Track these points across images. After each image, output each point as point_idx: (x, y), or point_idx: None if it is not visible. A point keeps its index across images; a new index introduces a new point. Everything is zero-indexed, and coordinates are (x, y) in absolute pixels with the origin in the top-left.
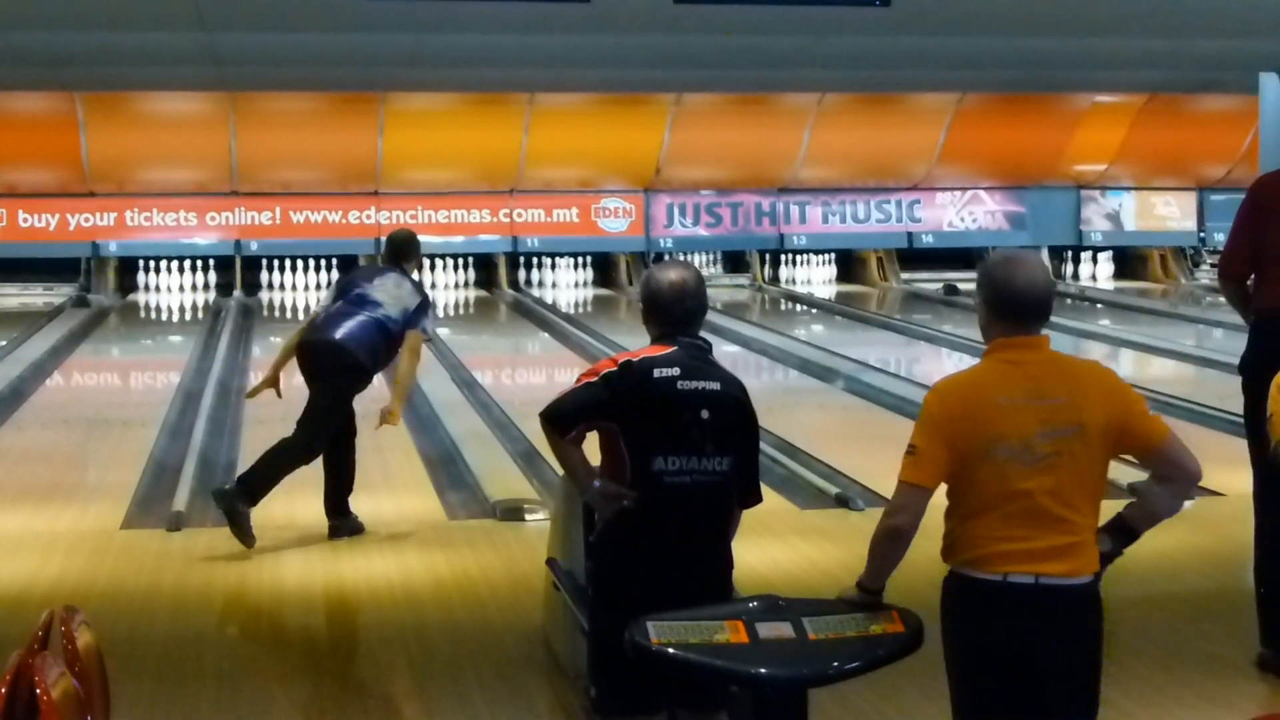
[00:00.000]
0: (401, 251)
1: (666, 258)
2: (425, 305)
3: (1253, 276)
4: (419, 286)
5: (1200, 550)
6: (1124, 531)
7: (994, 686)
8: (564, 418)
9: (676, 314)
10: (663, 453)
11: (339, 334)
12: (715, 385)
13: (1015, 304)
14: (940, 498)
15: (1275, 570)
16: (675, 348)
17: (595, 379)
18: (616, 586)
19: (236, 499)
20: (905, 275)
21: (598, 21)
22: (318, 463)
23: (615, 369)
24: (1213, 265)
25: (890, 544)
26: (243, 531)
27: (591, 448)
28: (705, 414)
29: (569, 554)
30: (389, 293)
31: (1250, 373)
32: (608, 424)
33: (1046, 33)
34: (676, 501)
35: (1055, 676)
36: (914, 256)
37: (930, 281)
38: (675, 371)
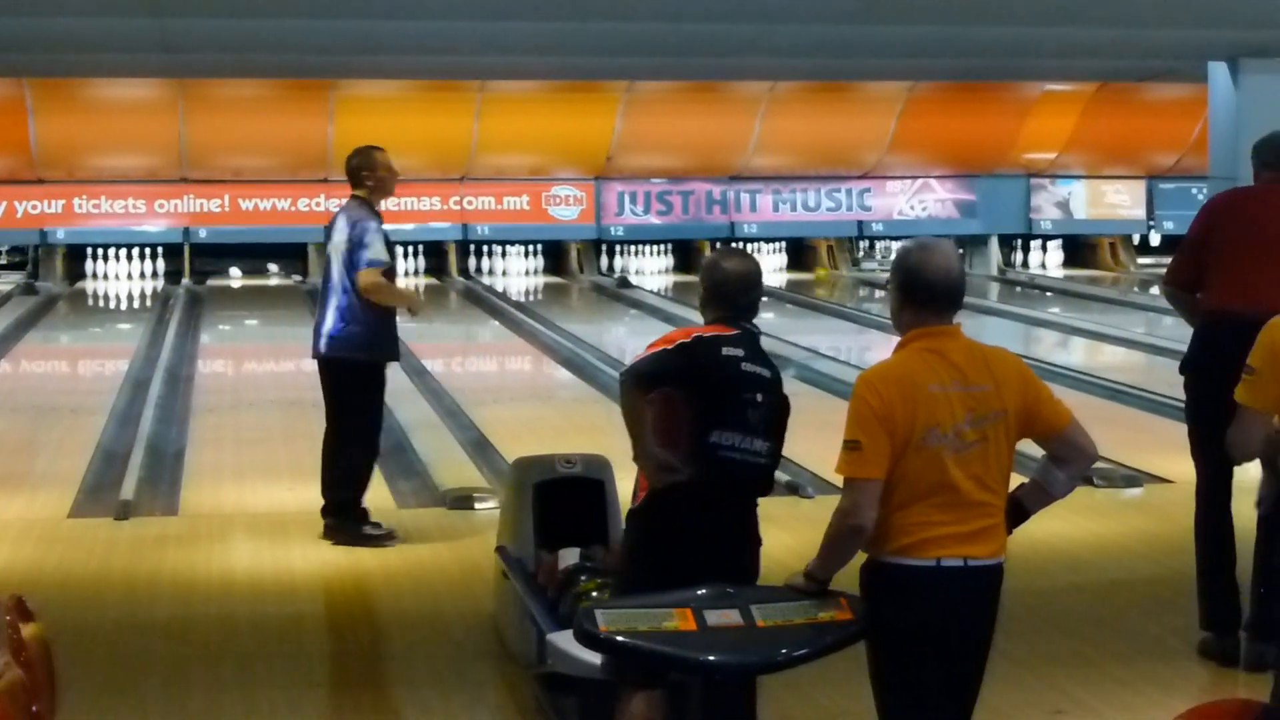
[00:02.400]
0: (351, 176)
1: (619, 249)
2: (356, 242)
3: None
4: (352, 221)
5: (1150, 536)
6: (1018, 512)
7: (922, 665)
8: (645, 378)
9: (742, 302)
10: (721, 427)
11: (319, 348)
12: (768, 373)
13: (929, 291)
14: None
15: (1219, 559)
16: (739, 330)
17: (671, 346)
18: (659, 553)
19: (341, 526)
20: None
21: (549, 8)
22: (261, 451)
23: (689, 340)
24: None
25: (851, 543)
26: (378, 537)
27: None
28: (760, 397)
29: (519, 542)
30: (335, 249)
31: (1194, 372)
32: (674, 390)
33: (998, 21)
34: (728, 475)
35: (976, 649)
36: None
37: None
38: (740, 352)
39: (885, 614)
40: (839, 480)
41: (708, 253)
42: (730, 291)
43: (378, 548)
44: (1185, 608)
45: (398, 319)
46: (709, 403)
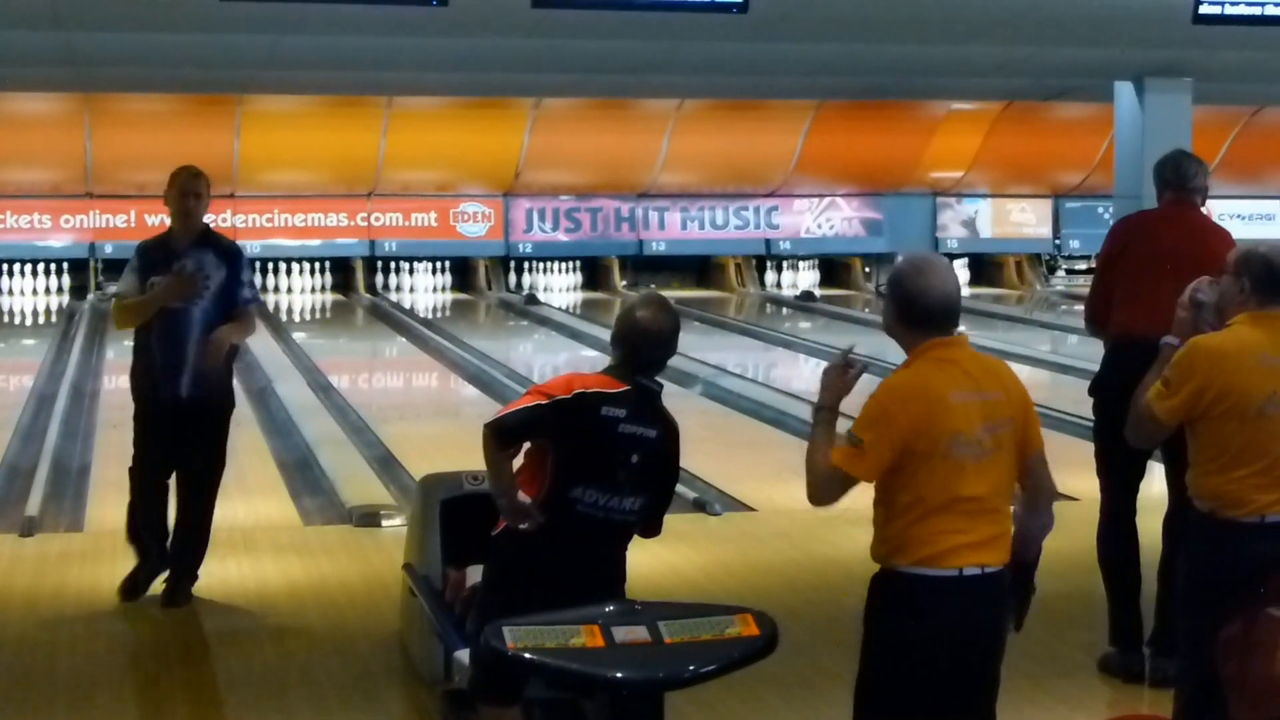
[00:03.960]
0: None
1: (527, 265)
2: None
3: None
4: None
5: (1056, 553)
6: (1025, 571)
7: (928, 680)
8: (508, 432)
9: (644, 358)
10: (583, 484)
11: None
12: (653, 433)
13: (927, 314)
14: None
15: (1124, 577)
16: (629, 387)
17: (545, 401)
18: (512, 587)
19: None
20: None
21: (456, 24)
22: None
23: (568, 397)
24: (1068, 270)
25: (809, 489)
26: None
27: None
28: (635, 458)
29: (425, 559)
30: None
31: (1103, 394)
32: (544, 440)
33: (904, 39)
34: (582, 530)
35: (994, 655)
36: (645, 264)
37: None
38: (622, 413)
39: (903, 625)
40: (745, 497)
41: (616, 270)
42: (636, 344)
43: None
44: (1091, 624)
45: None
46: (576, 459)
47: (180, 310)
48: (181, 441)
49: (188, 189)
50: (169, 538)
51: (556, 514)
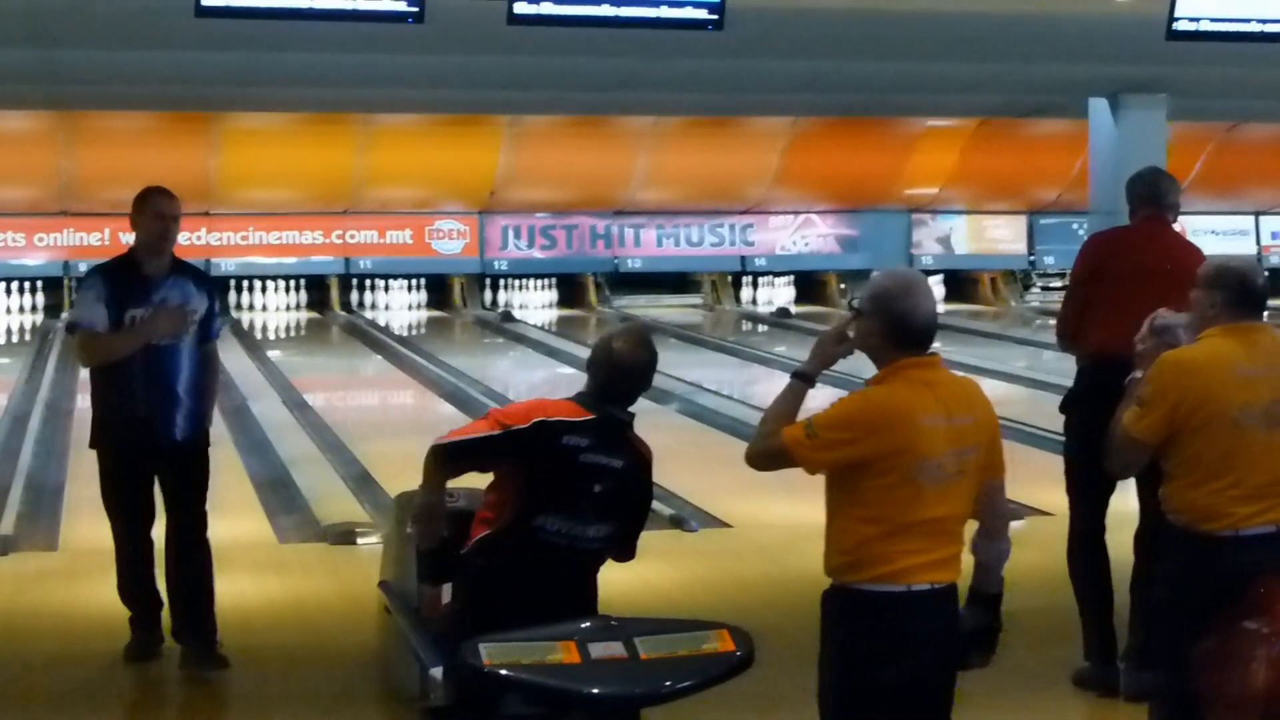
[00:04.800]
0: None
1: (502, 283)
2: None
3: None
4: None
5: (1031, 569)
6: (988, 601)
7: (880, 695)
8: (454, 458)
9: (615, 391)
10: (546, 512)
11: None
12: (619, 462)
13: (914, 335)
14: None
15: (1097, 592)
16: (594, 416)
17: (499, 431)
18: (480, 605)
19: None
20: (617, 301)
21: (432, 42)
22: None
23: (526, 427)
24: (1043, 288)
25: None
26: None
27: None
28: (599, 488)
29: (402, 577)
30: None
31: (1075, 412)
32: (505, 468)
33: (881, 57)
34: (547, 557)
35: (944, 669)
36: (621, 281)
37: (636, 306)
38: (584, 442)
39: (853, 640)
40: (722, 513)
41: (592, 287)
42: (610, 375)
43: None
44: (1067, 639)
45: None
46: (539, 488)
47: (168, 346)
48: (167, 489)
49: (164, 211)
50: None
51: (521, 541)
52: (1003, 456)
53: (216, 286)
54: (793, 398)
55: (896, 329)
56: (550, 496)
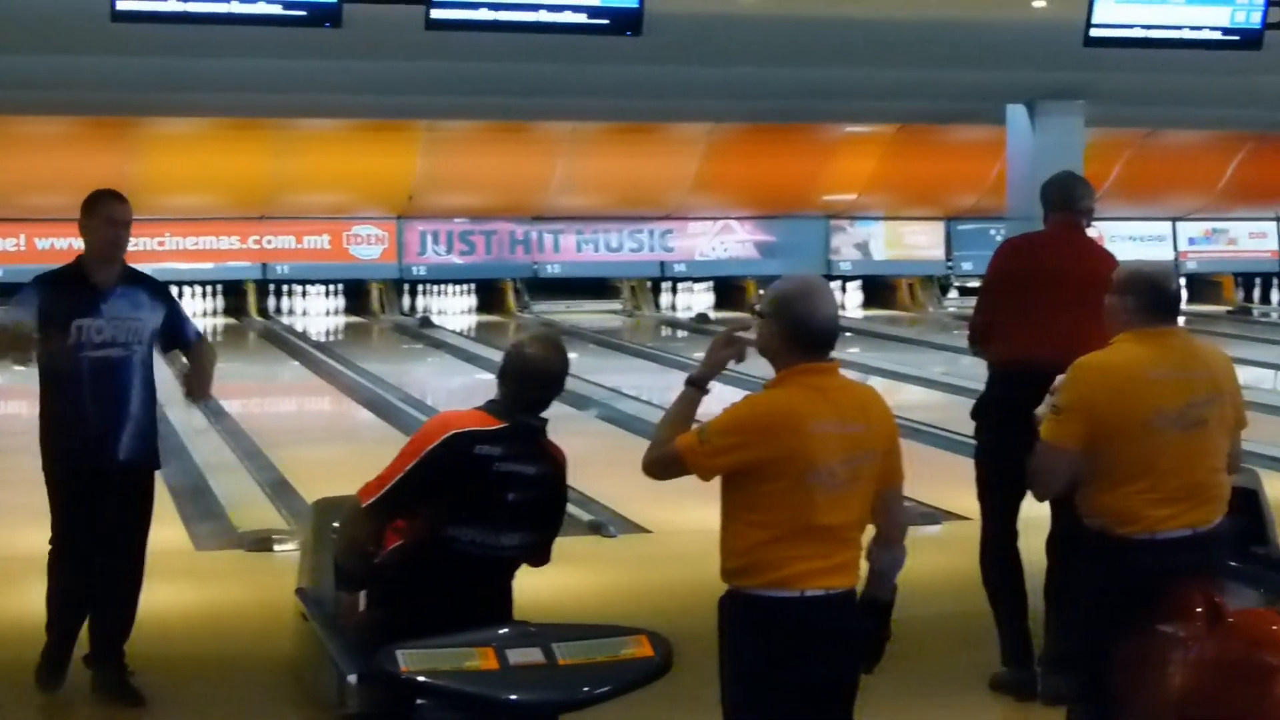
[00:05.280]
0: None
1: (421, 288)
2: None
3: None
4: None
5: (949, 572)
6: (880, 607)
7: (779, 699)
8: (383, 511)
9: (529, 397)
10: (457, 523)
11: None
12: (532, 470)
13: (813, 337)
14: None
15: (1010, 596)
16: (505, 424)
17: (414, 461)
18: (393, 616)
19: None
20: (537, 306)
21: (350, 47)
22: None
23: (438, 444)
24: (960, 290)
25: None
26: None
27: None
28: (512, 496)
29: (318, 583)
30: None
31: (986, 418)
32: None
33: (800, 63)
34: (460, 566)
35: (843, 676)
36: (541, 286)
37: (555, 312)
38: (497, 451)
39: (748, 645)
40: (641, 519)
41: (511, 293)
42: (523, 382)
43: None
44: (984, 643)
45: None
46: (449, 499)
47: (118, 359)
48: (110, 510)
49: (116, 216)
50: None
51: (435, 552)
52: (901, 464)
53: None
54: (686, 405)
55: (796, 331)
56: (464, 508)
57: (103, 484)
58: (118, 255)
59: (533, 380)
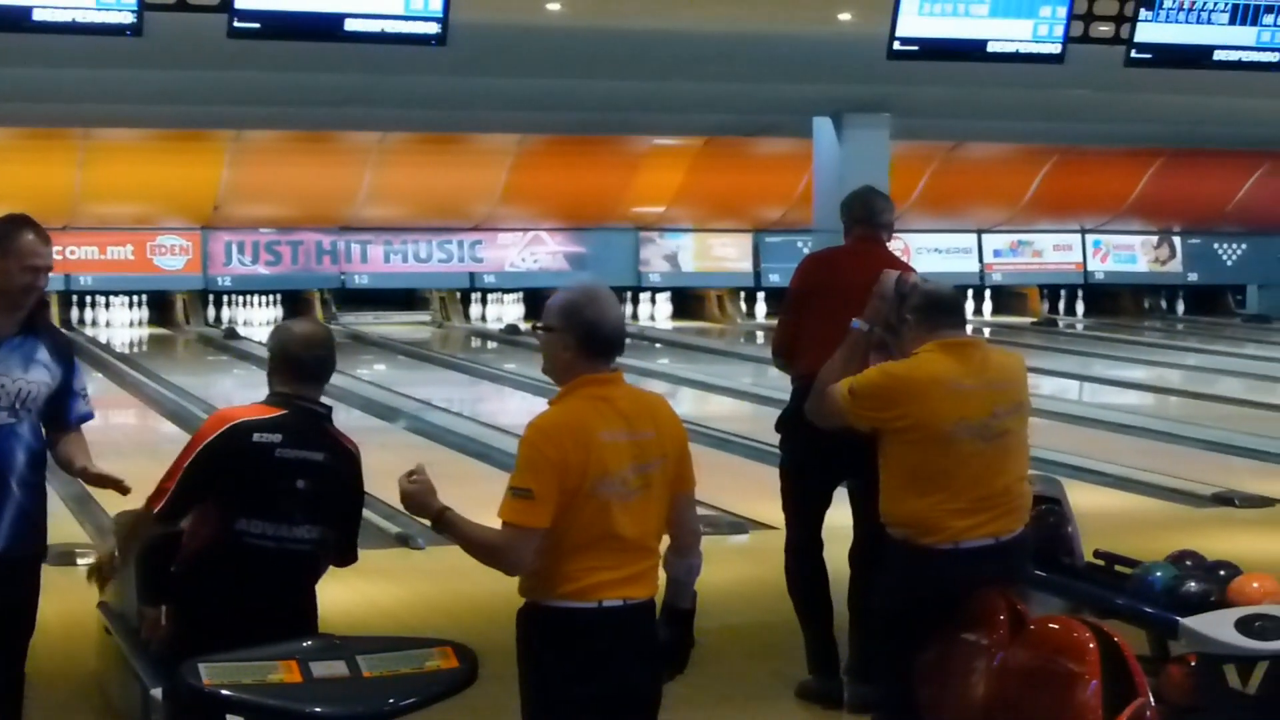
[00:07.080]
0: None
1: (226, 299)
2: None
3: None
4: None
5: (755, 581)
6: (679, 617)
7: (581, 711)
8: (173, 517)
9: (300, 379)
10: (248, 515)
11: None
12: (319, 455)
13: (606, 342)
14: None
15: (816, 606)
16: (285, 411)
17: (193, 455)
18: (194, 625)
19: None
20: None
21: (151, 56)
22: None
23: (216, 437)
24: (768, 300)
25: (496, 568)
26: None
27: None
28: (301, 483)
29: (121, 598)
30: None
31: (791, 431)
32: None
33: (606, 75)
34: (256, 564)
35: (645, 682)
36: (349, 297)
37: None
38: (276, 438)
39: (546, 658)
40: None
41: (318, 303)
42: (291, 365)
43: None
44: (790, 652)
45: None
46: (235, 491)
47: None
48: None
49: (39, 263)
50: None
51: (227, 550)
52: (692, 470)
53: None
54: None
55: (588, 338)
56: (249, 498)
57: None
58: (26, 302)
59: (299, 360)
